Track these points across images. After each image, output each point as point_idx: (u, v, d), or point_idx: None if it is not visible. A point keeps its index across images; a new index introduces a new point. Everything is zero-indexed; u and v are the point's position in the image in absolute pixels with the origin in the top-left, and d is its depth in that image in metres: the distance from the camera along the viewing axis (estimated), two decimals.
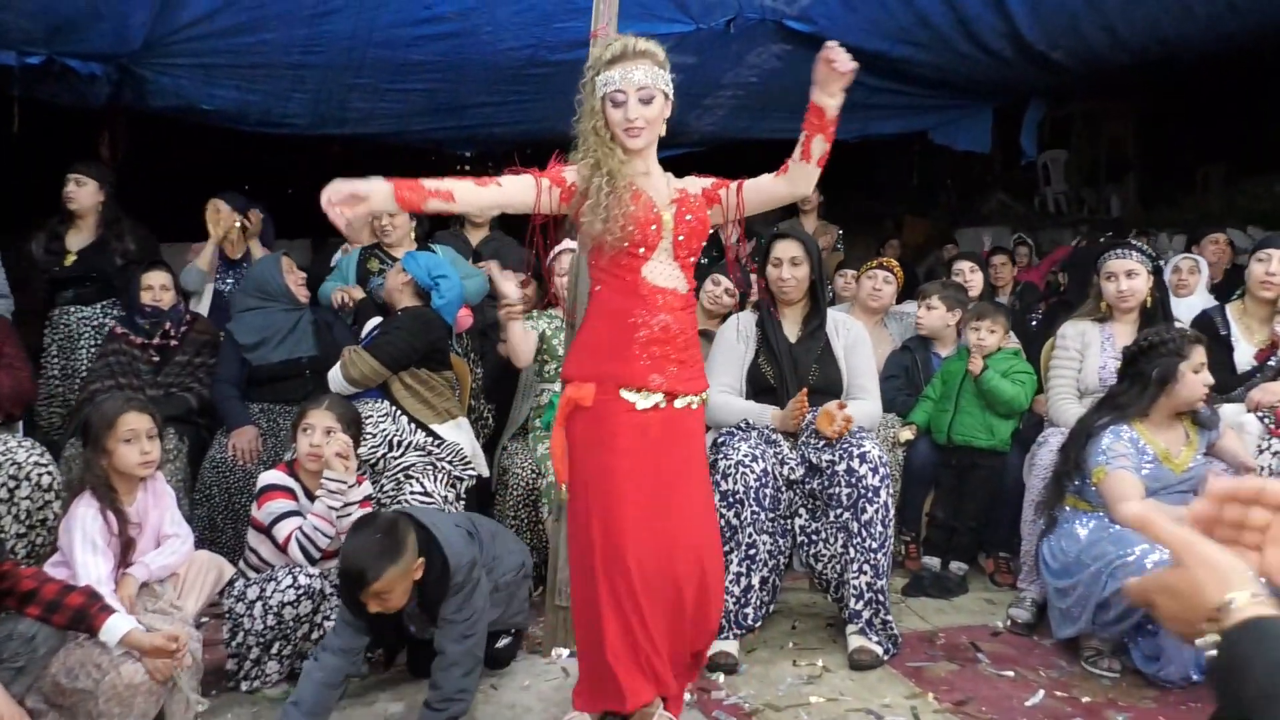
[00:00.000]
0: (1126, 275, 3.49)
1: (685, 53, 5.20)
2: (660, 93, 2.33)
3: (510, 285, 3.64)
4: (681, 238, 2.41)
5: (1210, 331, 3.60)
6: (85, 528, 2.52)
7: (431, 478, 3.31)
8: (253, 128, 5.83)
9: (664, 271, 2.40)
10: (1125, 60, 6.31)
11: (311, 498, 2.93)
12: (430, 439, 3.43)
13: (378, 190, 2.14)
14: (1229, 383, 3.53)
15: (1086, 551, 2.91)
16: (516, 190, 2.35)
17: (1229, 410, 3.32)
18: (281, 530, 2.85)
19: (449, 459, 3.40)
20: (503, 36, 5.13)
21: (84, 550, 2.50)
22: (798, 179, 2.36)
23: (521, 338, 3.67)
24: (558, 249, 3.78)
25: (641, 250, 2.36)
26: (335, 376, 3.46)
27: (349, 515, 2.87)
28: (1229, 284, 5.07)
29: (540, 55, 5.31)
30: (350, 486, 2.90)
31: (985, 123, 7.88)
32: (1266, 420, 3.28)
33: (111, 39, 4.49)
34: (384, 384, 3.47)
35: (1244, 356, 3.66)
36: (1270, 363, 3.55)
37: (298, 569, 2.81)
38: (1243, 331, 3.74)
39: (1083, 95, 8.74)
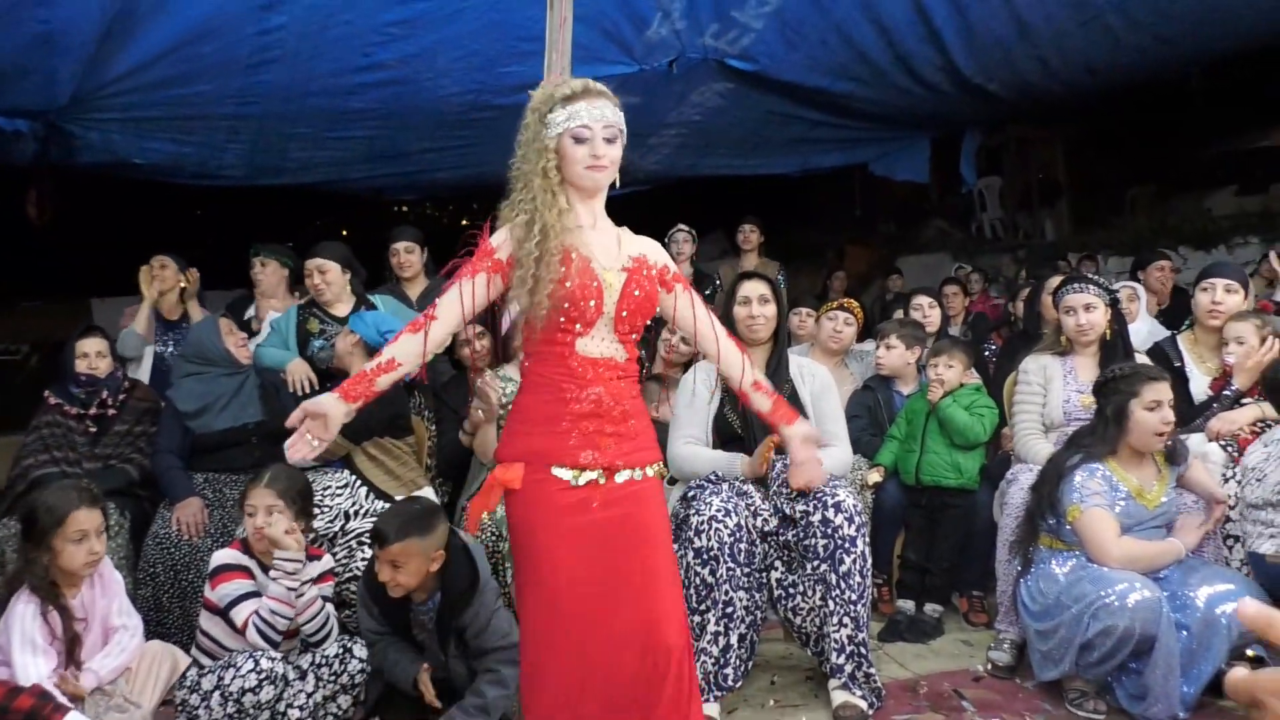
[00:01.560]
0: (1085, 309, 3.51)
1: (629, 93, 5.12)
2: (621, 134, 2.19)
3: (494, 393, 3.50)
4: (625, 313, 2.19)
5: (1164, 363, 3.63)
6: (24, 628, 2.37)
7: None
8: (187, 180, 5.68)
9: (600, 345, 2.19)
10: (1057, 89, 6.47)
11: (269, 573, 2.77)
12: (386, 505, 3.29)
13: (328, 404, 2.06)
14: (1187, 414, 3.55)
15: (1066, 592, 2.87)
16: (454, 309, 2.14)
17: (1191, 441, 3.34)
18: (240, 613, 2.70)
19: None
20: (444, 82, 5.07)
21: (23, 652, 2.35)
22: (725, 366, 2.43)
23: (493, 438, 3.53)
24: None
25: (578, 327, 2.15)
26: None
27: (305, 594, 2.72)
28: (1176, 306, 5.15)
29: (483, 100, 5.26)
30: (304, 564, 2.75)
31: (923, 153, 8.05)
32: (1230, 449, 3.31)
33: (39, 94, 4.34)
34: (346, 455, 3.34)
35: (1199, 386, 3.69)
36: (1225, 392, 3.58)
37: (259, 652, 2.65)
38: (1195, 361, 3.77)
39: (1017, 122, 8.94)
